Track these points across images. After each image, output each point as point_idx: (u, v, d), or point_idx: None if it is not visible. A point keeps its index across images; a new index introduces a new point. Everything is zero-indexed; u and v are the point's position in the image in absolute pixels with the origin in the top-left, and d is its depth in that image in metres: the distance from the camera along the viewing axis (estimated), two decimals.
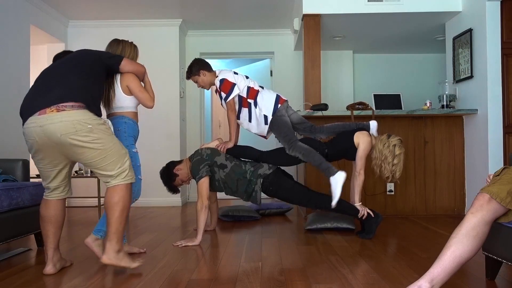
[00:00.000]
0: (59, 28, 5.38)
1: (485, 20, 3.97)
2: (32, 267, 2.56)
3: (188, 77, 3.56)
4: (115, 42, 2.92)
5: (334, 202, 3.19)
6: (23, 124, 2.23)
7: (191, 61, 3.57)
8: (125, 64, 2.65)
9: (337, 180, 3.22)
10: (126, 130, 2.76)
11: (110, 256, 2.25)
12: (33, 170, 5.10)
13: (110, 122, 2.44)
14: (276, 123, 3.34)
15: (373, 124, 3.43)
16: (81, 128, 2.14)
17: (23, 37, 4.53)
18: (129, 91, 2.74)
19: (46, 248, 2.39)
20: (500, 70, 3.97)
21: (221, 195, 3.78)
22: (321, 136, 3.51)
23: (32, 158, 2.30)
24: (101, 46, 5.67)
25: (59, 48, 5.46)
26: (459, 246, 1.73)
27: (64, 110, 2.14)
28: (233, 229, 3.72)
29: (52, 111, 2.13)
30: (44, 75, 2.34)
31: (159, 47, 5.61)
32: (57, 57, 2.76)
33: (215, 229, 3.71)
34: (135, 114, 2.87)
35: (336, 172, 3.24)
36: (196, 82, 3.53)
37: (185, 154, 5.83)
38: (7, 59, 4.24)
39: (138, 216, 4.56)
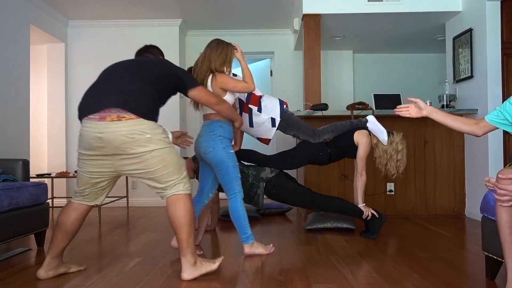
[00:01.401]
0: (59, 28, 5.38)
1: (485, 20, 3.97)
2: (32, 267, 2.55)
3: None
4: (216, 43, 2.85)
5: (384, 136, 3.31)
6: (80, 120, 2.19)
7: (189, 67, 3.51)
8: (196, 94, 2.45)
9: (373, 121, 3.36)
10: (222, 134, 2.73)
11: (190, 272, 2.20)
12: (33, 170, 5.11)
13: (169, 132, 2.38)
14: (291, 121, 3.37)
15: (371, 119, 3.43)
16: (140, 138, 2.09)
17: (23, 37, 4.53)
18: (223, 92, 2.72)
19: (47, 252, 2.34)
20: (500, 70, 3.97)
21: (221, 195, 3.77)
22: (325, 138, 3.50)
23: (79, 157, 2.24)
24: (101, 46, 5.74)
25: (59, 48, 5.48)
26: None
27: (124, 117, 2.09)
28: (233, 229, 3.71)
29: (113, 119, 2.09)
30: (111, 72, 2.32)
31: (159, 47, 5.59)
32: (139, 52, 2.78)
33: (215, 229, 3.71)
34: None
35: (366, 120, 3.41)
36: None
37: (185, 153, 5.83)
38: (7, 59, 4.24)
39: (138, 216, 4.56)
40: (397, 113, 2.25)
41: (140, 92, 2.19)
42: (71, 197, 2.41)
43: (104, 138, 2.09)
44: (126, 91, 2.17)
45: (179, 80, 2.40)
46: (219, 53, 2.79)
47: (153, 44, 2.93)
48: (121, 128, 2.08)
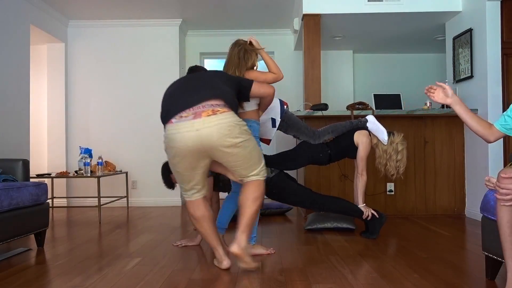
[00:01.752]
0: (59, 28, 5.38)
1: (485, 20, 3.97)
2: (32, 267, 2.55)
3: None
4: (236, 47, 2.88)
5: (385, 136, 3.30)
6: (166, 123, 2.21)
7: (189, 67, 3.49)
8: (256, 86, 2.54)
9: (373, 121, 3.36)
10: (254, 133, 2.75)
11: (242, 246, 2.25)
12: (33, 170, 5.11)
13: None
14: (291, 121, 3.37)
15: (370, 119, 3.42)
16: (234, 130, 2.17)
17: (23, 37, 4.53)
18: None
19: (214, 246, 2.41)
20: (500, 70, 3.97)
21: (222, 195, 3.77)
22: (325, 139, 3.50)
23: (170, 162, 2.32)
24: (101, 46, 5.74)
25: (59, 48, 5.48)
26: None
27: (218, 111, 2.15)
28: (233, 229, 3.71)
29: (209, 114, 2.13)
30: (184, 83, 2.35)
31: (159, 47, 5.61)
32: (192, 70, 2.85)
33: None
34: (256, 112, 2.81)
35: (366, 120, 3.40)
36: None
37: None
38: (7, 59, 4.24)
39: (138, 216, 4.56)
40: (425, 92, 2.23)
41: (226, 90, 2.30)
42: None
43: (202, 134, 2.12)
44: (216, 86, 2.27)
45: (240, 82, 2.48)
46: (247, 59, 2.81)
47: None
48: (219, 121, 2.13)
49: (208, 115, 2.13)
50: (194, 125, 2.12)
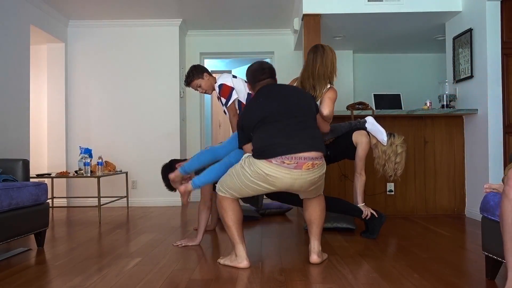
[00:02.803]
0: (59, 28, 5.38)
1: (485, 20, 3.97)
2: (32, 267, 2.56)
3: (190, 82, 3.39)
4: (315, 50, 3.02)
5: (384, 138, 3.31)
6: (260, 159, 2.27)
7: (189, 69, 3.43)
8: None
9: (371, 122, 3.36)
10: None
11: (320, 253, 2.56)
12: (33, 170, 5.11)
13: None
14: None
15: (369, 120, 3.42)
16: (321, 178, 2.42)
17: (23, 37, 4.53)
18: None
19: (237, 242, 2.45)
20: (500, 70, 3.96)
21: None
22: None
23: (249, 180, 2.34)
24: (101, 46, 5.74)
25: (59, 48, 5.48)
26: None
27: (317, 164, 2.30)
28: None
29: (308, 168, 2.27)
30: (285, 109, 2.38)
31: (159, 47, 5.61)
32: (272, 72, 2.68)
33: (215, 229, 3.71)
34: None
35: (364, 121, 3.41)
36: (199, 86, 3.38)
37: (185, 153, 5.83)
38: (7, 59, 4.24)
39: (138, 216, 4.56)
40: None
41: (318, 131, 2.47)
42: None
43: (297, 182, 2.30)
44: (316, 136, 2.40)
45: (315, 112, 2.57)
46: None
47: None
48: (314, 175, 2.32)
49: (308, 168, 2.27)
50: (293, 174, 2.26)
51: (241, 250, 2.44)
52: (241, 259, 2.43)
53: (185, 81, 3.44)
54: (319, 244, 2.56)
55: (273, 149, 2.25)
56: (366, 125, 3.41)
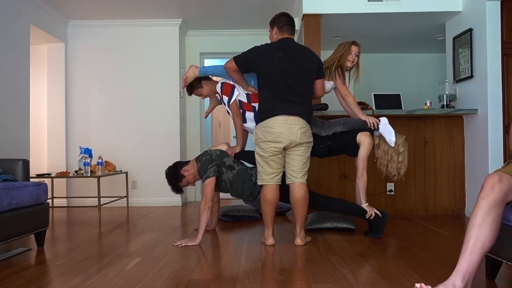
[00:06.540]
0: (59, 28, 5.38)
1: (485, 20, 3.97)
2: (32, 267, 2.56)
3: (191, 93, 3.65)
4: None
5: (393, 140, 3.36)
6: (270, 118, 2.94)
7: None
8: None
9: (384, 122, 3.39)
10: None
11: (302, 237, 3.05)
12: (33, 170, 5.11)
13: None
14: None
15: (383, 120, 3.40)
16: (307, 131, 3.00)
17: (23, 37, 4.53)
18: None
19: (268, 226, 3.03)
20: (500, 70, 3.97)
21: (222, 195, 3.78)
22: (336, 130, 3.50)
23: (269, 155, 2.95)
24: (101, 46, 5.73)
25: (59, 48, 5.48)
26: (479, 237, 1.72)
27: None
28: (233, 229, 3.72)
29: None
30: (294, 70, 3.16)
31: (159, 47, 5.61)
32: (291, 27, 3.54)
33: (215, 229, 3.71)
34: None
35: (378, 127, 3.43)
36: (200, 94, 3.63)
37: (185, 153, 5.83)
38: (7, 59, 4.24)
39: (138, 216, 4.56)
40: None
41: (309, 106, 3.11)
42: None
43: (292, 133, 2.93)
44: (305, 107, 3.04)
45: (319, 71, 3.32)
46: None
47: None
48: (304, 125, 2.99)
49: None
50: (288, 119, 2.95)
51: (268, 232, 3.04)
52: (267, 238, 3.05)
53: (187, 92, 3.72)
54: (300, 228, 3.03)
55: (274, 111, 2.93)
56: (379, 125, 3.40)
